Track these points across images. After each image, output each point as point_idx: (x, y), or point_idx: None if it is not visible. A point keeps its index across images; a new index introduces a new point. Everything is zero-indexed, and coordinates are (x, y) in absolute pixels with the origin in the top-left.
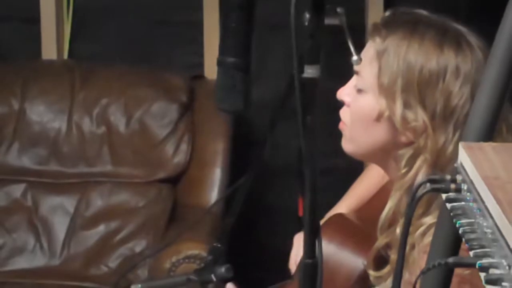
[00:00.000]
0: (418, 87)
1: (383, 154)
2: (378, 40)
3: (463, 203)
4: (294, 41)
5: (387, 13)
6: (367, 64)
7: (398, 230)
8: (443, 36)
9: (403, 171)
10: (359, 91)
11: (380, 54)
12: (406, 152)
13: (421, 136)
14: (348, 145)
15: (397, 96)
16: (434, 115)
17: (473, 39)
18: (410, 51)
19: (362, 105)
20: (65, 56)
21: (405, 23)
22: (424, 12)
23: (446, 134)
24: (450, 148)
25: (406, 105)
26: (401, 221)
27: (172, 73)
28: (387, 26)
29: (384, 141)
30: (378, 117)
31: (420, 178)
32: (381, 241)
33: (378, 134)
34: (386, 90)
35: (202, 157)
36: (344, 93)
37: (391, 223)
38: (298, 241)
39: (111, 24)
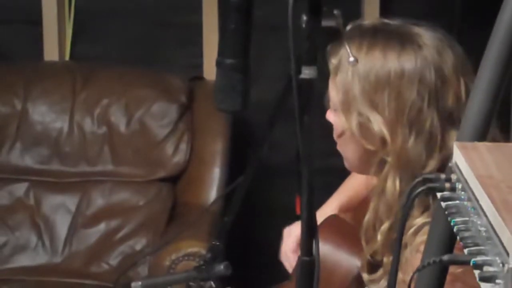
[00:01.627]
0: (368, 95)
1: (366, 165)
2: (332, 59)
3: (457, 201)
4: (292, 43)
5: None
6: (332, 84)
7: (379, 238)
8: (387, 41)
9: (375, 178)
10: (334, 111)
11: (335, 73)
12: (374, 160)
13: (381, 141)
14: (346, 164)
15: (352, 109)
16: (388, 118)
17: (423, 38)
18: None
19: (335, 125)
20: (67, 57)
21: (354, 36)
22: (383, 20)
23: (403, 135)
24: (409, 146)
25: (361, 115)
26: (380, 229)
27: (171, 74)
28: (339, 44)
29: (359, 154)
30: (342, 134)
31: (389, 182)
32: (367, 251)
33: (352, 149)
34: (343, 105)
35: (201, 156)
36: (329, 115)
37: (374, 230)
38: (287, 234)
39: (111, 25)
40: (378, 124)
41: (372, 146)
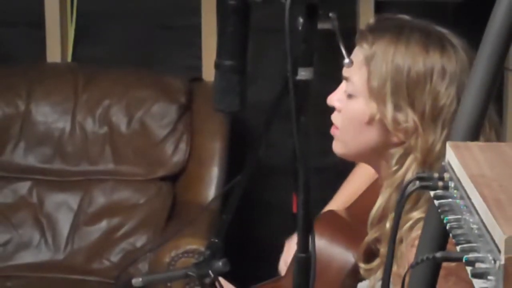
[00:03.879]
0: (407, 89)
1: (374, 154)
2: (365, 46)
3: (450, 200)
4: (288, 45)
5: (372, 20)
6: (356, 69)
7: (388, 225)
8: (427, 38)
9: (394, 169)
10: (350, 96)
11: (368, 59)
12: (397, 152)
13: (411, 136)
14: (339, 148)
15: (387, 99)
16: (423, 115)
17: (455, 40)
18: (397, 55)
19: (353, 110)
20: (69, 59)
21: (391, 28)
22: (407, 17)
23: (435, 133)
24: (438, 146)
25: (396, 107)
26: (390, 216)
27: (171, 75)
28: (373, 32)
29: (376, 143)
30: (370, 121)
31: (409, 176)
32: (371, 235)
33: (370, 136)
34: (376, 94)
35: (200, 155)
36: (335, 98)
37: (381, 219)
38: (288, 246)
39: (113, 28)
40: (413, 118)
41: (399, 138)
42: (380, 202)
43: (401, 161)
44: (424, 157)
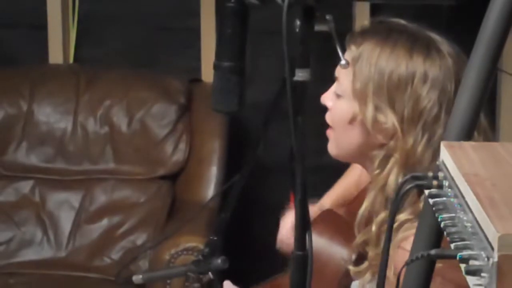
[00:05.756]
0: (388, 91)
1: (361, 156)
2: (353, 47)
3: (444, 198)
4: (286, 46)
5: (367, 22)
6: (344, 70)
7: (374, 228)
8: (413, 43)
9: (376, 171)
10: (338, 96)
11: (354, 61)
12: (379, 154)
13: (391, 138)
14: (333, 149)
15: (369, 100)
16: (403, 118)
17: (444, 46)
18: (382, 57)
19: (339, 109)
20: (71, 60)
21: (380, 31)
22: (401, 21)
23: (415, 136)
24: (419, 149)
25: (377, 108)
26: (375, 219)
27: (171, 76)
28: (363, 34)
29: (359, 143)
30: (352, 120)
31: (392, 178)
32: (359, 239)
33: (354, 136)
34: (359, 94)
35: (200, 155)
36: (326, 97)
37: (367, 222)
38: (283, 223)
39: (114, 30)
40: (392, 120)
41: (380, 140)
42: (365, 205)
43: (383, 163)
44: (404, 159)
